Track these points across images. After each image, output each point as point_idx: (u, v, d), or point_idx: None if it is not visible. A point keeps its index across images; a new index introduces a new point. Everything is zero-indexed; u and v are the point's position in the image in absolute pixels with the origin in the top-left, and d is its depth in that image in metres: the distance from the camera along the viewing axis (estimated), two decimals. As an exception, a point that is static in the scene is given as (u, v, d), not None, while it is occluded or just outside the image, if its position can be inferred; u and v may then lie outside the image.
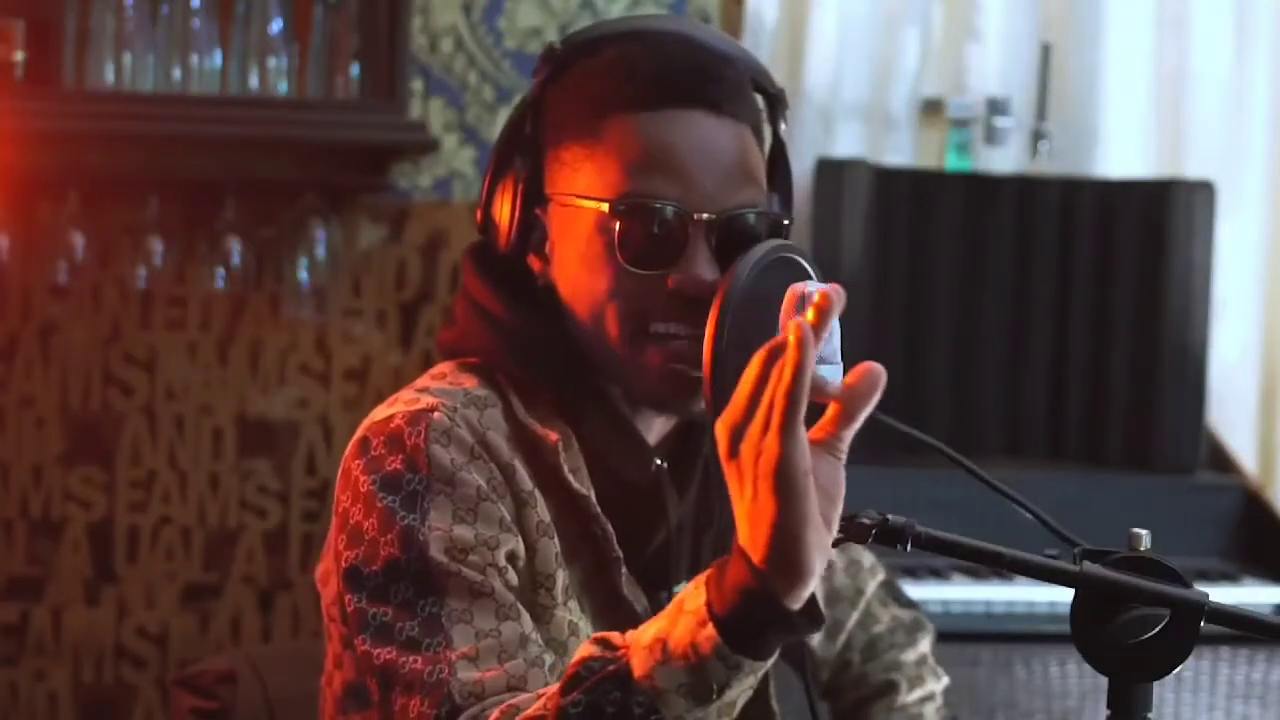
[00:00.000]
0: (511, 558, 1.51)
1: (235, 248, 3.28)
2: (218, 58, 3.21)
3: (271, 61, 3.21)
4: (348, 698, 1.59)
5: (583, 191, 1.55)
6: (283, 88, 3.23)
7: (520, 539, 1.52)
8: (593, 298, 1.55)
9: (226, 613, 3.39)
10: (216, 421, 3.39)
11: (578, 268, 1.56)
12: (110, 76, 3.16)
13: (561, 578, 1.54)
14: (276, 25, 3.21)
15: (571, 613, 1.55)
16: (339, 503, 1.54)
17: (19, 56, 3.11)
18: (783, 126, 1.63)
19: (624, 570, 1.57)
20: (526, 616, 1.49)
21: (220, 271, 3.29)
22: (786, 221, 1.59)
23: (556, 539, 1.54)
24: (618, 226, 1.53)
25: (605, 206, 1.53)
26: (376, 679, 1.46)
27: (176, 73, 3.19)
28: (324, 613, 1.61)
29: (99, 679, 3.37)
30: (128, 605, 3.37)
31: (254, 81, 3.22)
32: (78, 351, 3.35)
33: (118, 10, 3.15)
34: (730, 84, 1.57)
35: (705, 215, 1.52)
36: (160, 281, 3.32)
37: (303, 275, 3.32)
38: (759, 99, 1.62)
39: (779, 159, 1.63)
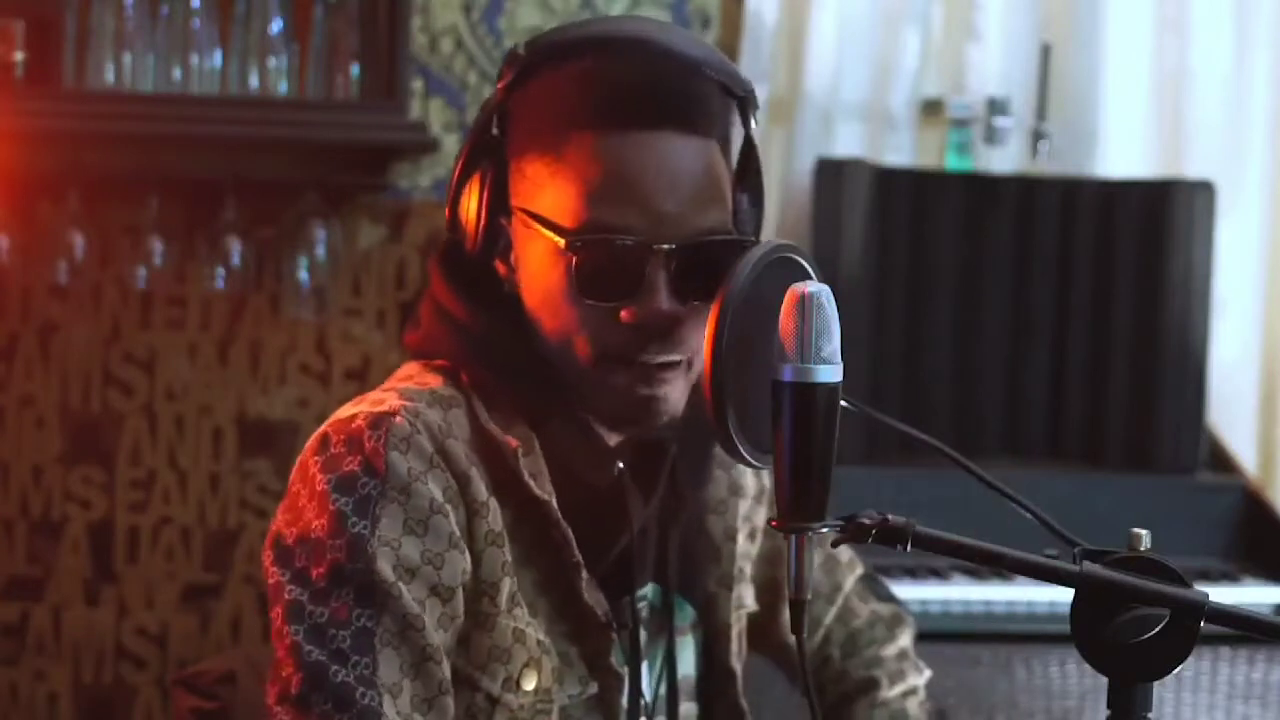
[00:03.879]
0: (459, 573, 1.52)
1: (235, 248, 3.28)
2: (218, 58, 3.21)
3: (271, 61, 3.21)
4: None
5: (543, 213, 1.53)
6: (283, 88, 3.23)
7: (467, 553, 1.52)
8: (554, 320, 1.54)
9: (226, 613, 3.39)
10: (216, 421, 3.39)
11: (539, 288, 1.55)
12: (110, 76, 3.16)
13: (508, 585, 1.54)
14: (276, 25, 3.21)
15: (517, 620, 1.55)
16: (292, 494, 1.53)
17: (19, 56, 3.11)
18: (754, 125, 1.60)
19: (584, 575, 1.57)
20: (445, 665, 1.50)
21: (220, 271, 3.29)
22: (749, 243, 1.53)
23: (507, 547, 1.54)
24: (574, 261, 1.51)
25: (563, 241, 1.51)
26: (303, 673, 1.46)
27: (176, 73, 3.19)
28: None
29: (99, 679, 3.37)
30: (128, 605, 3.37)
31: (254, 81, 3.22)
32: (78, 351, 3.34)
33: (118, 10, 3.15)
34: (697, 100, 1.53)
35: (665, 245, 1.50)
36: (160, 281, 3.32)
37: (303, 275, 3.32)
38: (731, 102, 1.57)
39: (749, 158, 1.61)
